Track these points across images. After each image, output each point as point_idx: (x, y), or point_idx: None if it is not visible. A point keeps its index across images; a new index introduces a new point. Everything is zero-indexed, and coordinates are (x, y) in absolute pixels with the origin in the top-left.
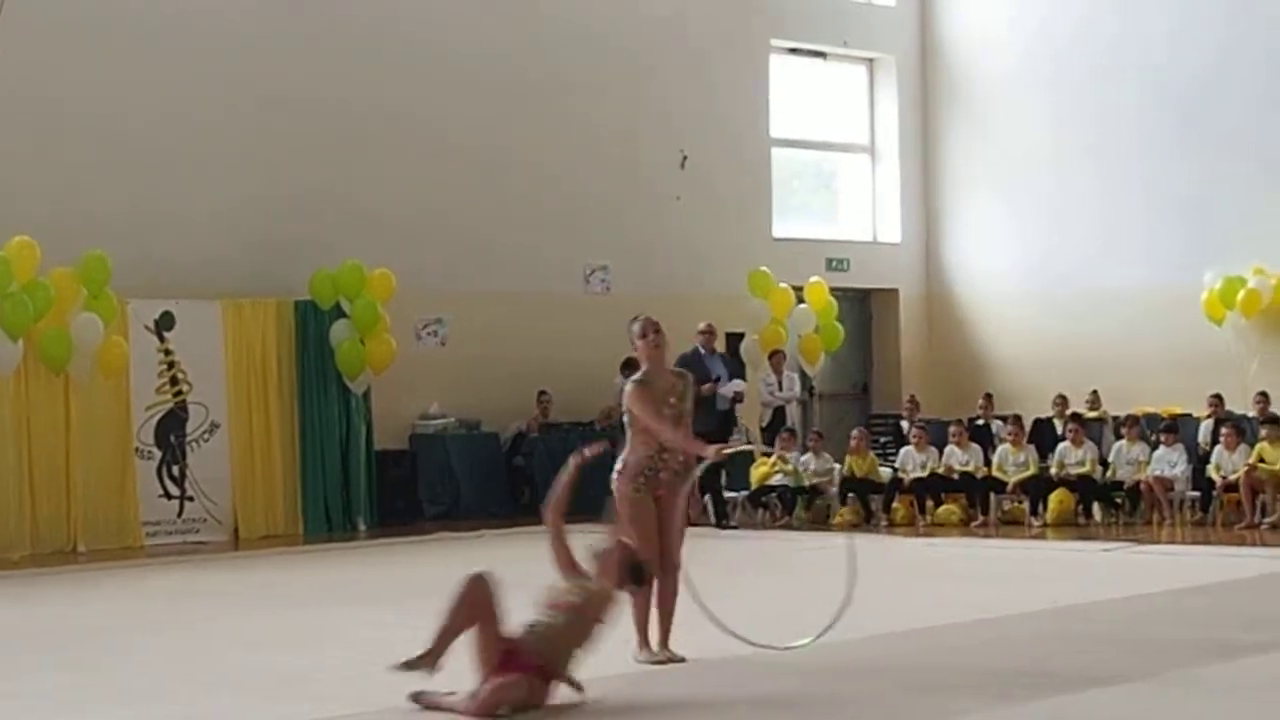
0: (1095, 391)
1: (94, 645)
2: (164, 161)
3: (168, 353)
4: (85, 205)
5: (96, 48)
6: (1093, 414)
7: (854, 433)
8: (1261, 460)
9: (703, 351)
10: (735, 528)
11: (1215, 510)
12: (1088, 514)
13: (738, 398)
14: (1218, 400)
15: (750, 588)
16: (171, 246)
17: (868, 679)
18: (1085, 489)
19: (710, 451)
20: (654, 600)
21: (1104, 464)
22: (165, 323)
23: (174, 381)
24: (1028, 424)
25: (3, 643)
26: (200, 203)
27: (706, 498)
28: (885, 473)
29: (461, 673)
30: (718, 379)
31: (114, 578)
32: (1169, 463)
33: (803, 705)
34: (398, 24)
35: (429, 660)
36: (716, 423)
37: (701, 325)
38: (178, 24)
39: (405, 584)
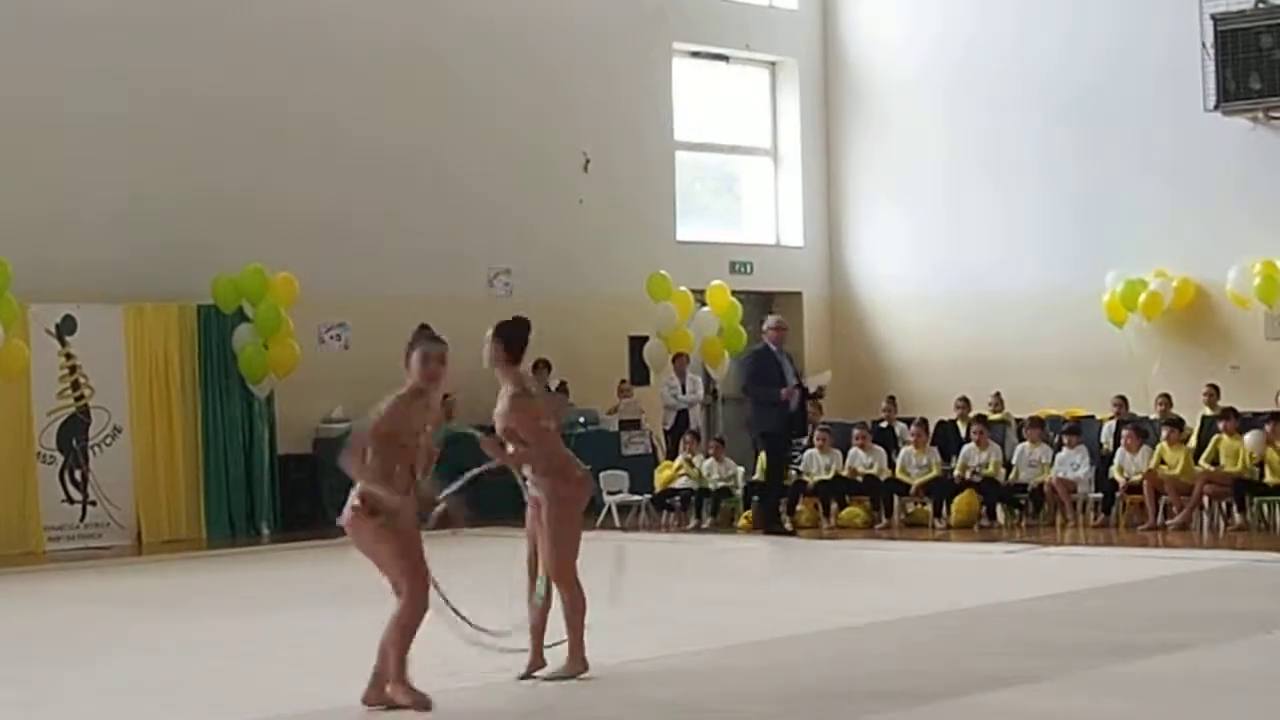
0: (998, 394)
1: (19, 652)
2: (64, 164)
3: (69, 357)
4: None
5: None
6: (996, 416)
7: None
8: (1162, 462)
9: (774, 349)
10: (793, 533)
11: (1118, 512)
12: (991, 516)
13: (820, 392)
14: (1122, 402)
15: (657, 590)
16: (72, 250)
17: (772, 682)
18: (989, 491)
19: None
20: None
21: (1007, 466)
22: (66, 327)
23: (75, 386)
24: (931, 426)
25: None
26: (101, 206)
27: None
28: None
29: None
30: (798, 385)
31: (16, 583)
32: (1072, 464)
33: (702, 711)
34: (301, 23)
35: None
36: (789, 422)
37: (772, 321)
38: (77, 22)
39: (310, 588)
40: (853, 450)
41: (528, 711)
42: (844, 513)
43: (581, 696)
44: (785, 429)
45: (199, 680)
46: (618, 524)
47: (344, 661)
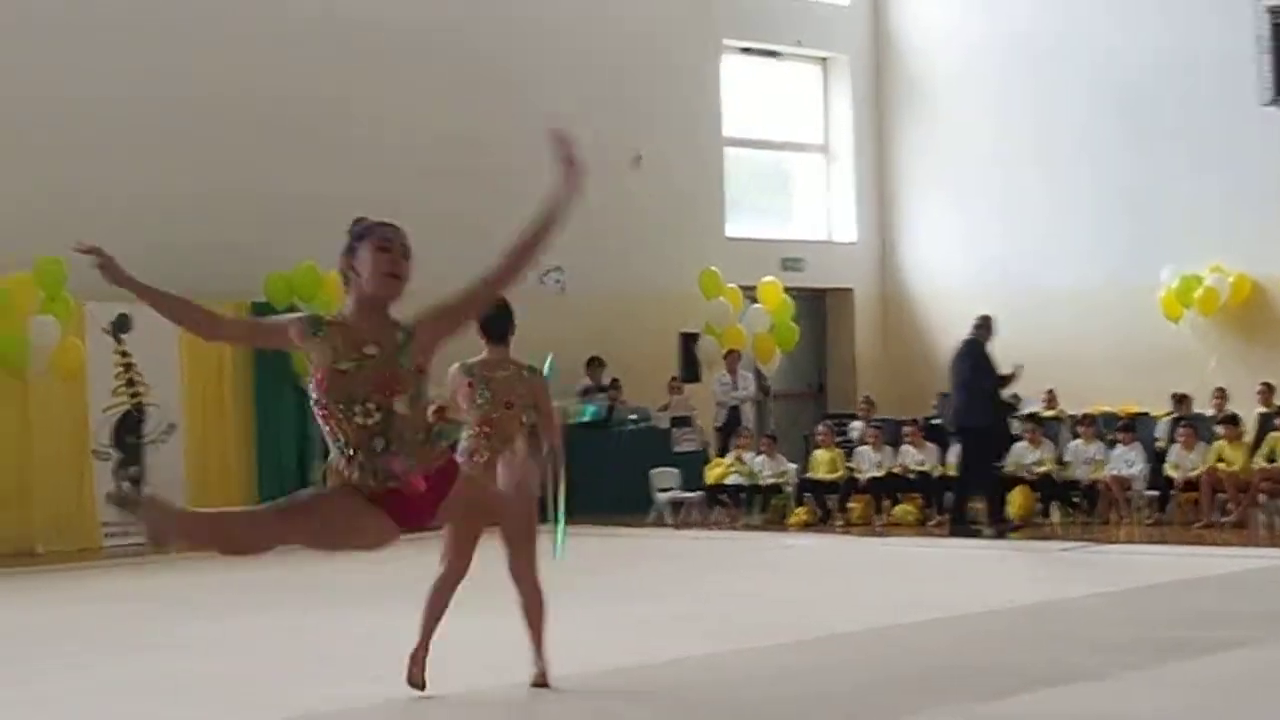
0: (1052, 390)
1: (47, 649)
2: (121, 164)
3: (124, 355)
4: (42, 208)
5: (59, 45)
6: (1049, 413)
7: (819, 428)
8: (1220, 459)
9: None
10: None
11: (1172, 509)
12: (1045, 513)
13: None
14: (1183, 399)
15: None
16: (128, 249)
17: (824, 680)
18: (1043, 488)
19: None
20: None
21: (1061, 463)
22: (122, 325)
23: (131, 383)
24: None
25: None
26: (157, 205)
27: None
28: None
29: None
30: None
31: (72, 579)
32: (1126, 462)
33: (752, 708)
34: (356, 21)
35: None
36: (998, 415)
37: (978, 319)
38: (134, 18)
39: (363, 584)
40: (904, 447)
41: (579, 712)
42: (896, 510)
43: (635, 692)
44: (994, 423)
45: (245, 677)
46: (669, 521)
47: (396, 659)
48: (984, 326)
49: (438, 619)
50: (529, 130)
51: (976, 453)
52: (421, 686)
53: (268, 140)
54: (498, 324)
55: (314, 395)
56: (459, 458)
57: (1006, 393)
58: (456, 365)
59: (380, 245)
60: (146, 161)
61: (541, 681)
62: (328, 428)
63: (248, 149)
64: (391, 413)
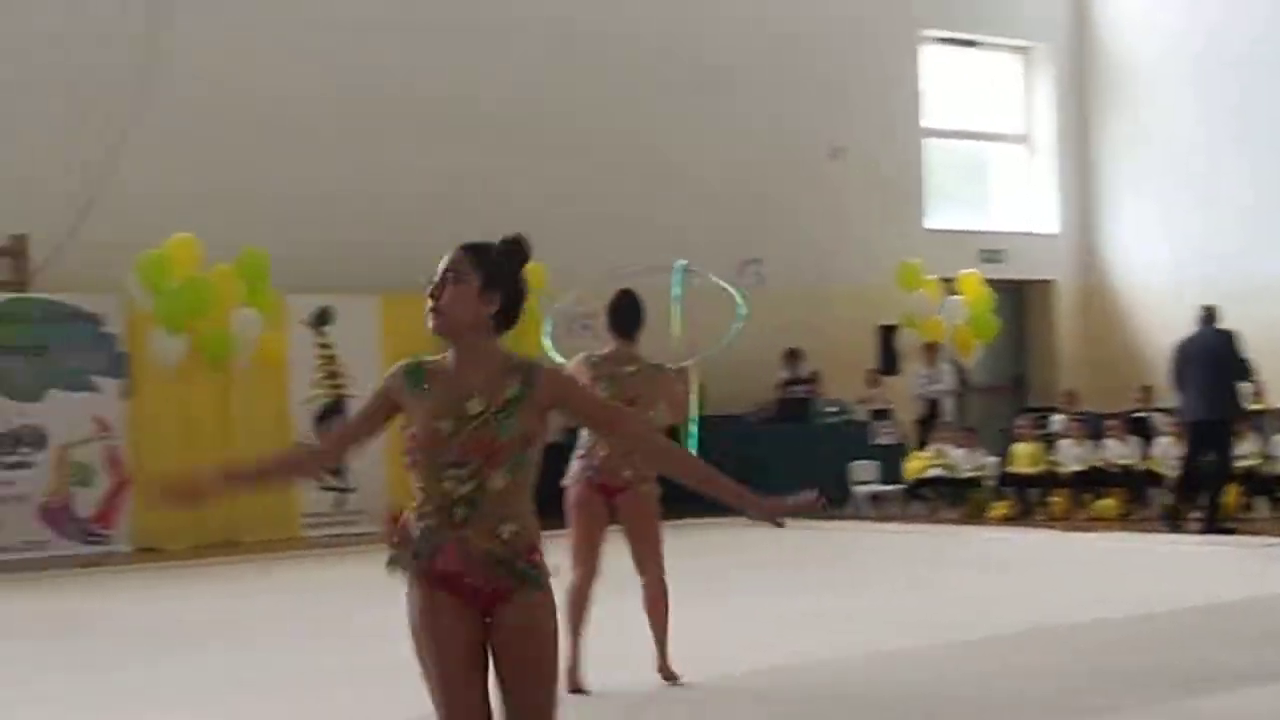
0: (1259, 383)
1: (247, 635)
2: (323, 158)
3: (325, 347)
4: (245, 202)
5: (260, 46)
6: (1256, 405)
7: (1020, 421)
8: None
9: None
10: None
11: None
12: (1248, 508)
13: None
14: None
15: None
16: (329, 242)
17: (1024, 676)
18: (1249, 483)
19: None
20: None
21: (1267, 457)
22: (323, 317)
23: (331, 375)
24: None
25: (156, 632)
26: (358, 198)
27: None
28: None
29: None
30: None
31: (274, 569)
32: None
33: (957, 701)
34: (552, 20)
35: None
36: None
37: (1205, 309)
38: (334, 19)
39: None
40: (1106, 440)
41: (785, 698)
42: (1097, 504)
43: (844, 684)
44: (1236, 417)
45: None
46: (867, 514)
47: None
48: (1214, 317)
49: (579, 626)
50: (727, 121)
51: (1219, 447)
52: (580, 691)
53: (466, 131)
54: (627, 319)
55: (407, 447)
56: (579, 457)
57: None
58: (581, 356)
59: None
60: (350, 158)
61: (670, 675)
62: (415, 477)
63: (446, 139)
64: (484, 486)
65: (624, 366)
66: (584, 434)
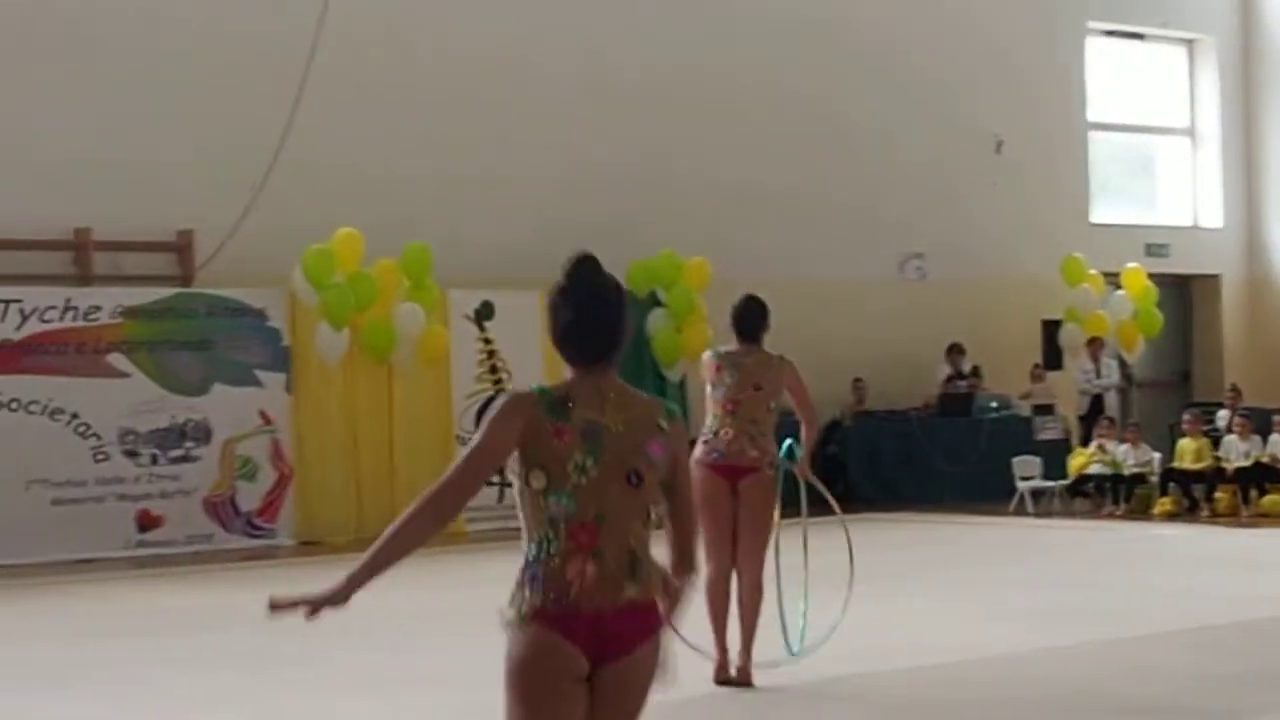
0: None
1: (404, 629)
2: (484, 153)
3: (487, 341)
4: (408, 197)
5: (417, 50)
6: None
7: (1185, 416)
8: None
9: None
10: None
11: None
12: None
13: None
14: None
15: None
16: (491, 237)
17: (1186, 671)
18: None
19: None
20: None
21: None
22: (485, 312)
23: (493, 370)
24: None
25: (325, 626)
26: (519, 194)
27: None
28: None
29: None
30: None
31: (435, 563)
32: None
33: (1118, 697)
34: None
35: None
36: None
37: None
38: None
39: None
40: (1274, 436)
41: (940, 696)
42: (1264, 500)
43: (1001, 678)
44: None
45: None
46: (1030, 510)
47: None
48: None
49: (723, 620)
50: (889, 115)
51: None
52: (729, 683)
53: (627, 124)
54: (749, 322)
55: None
56: (703, 441)
57: None
58: (709, 351)
59: None
60: (511, 154)
61: (744, 679)
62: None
63: (607, 134)
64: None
65: (747, 357)
66: (709, 417)
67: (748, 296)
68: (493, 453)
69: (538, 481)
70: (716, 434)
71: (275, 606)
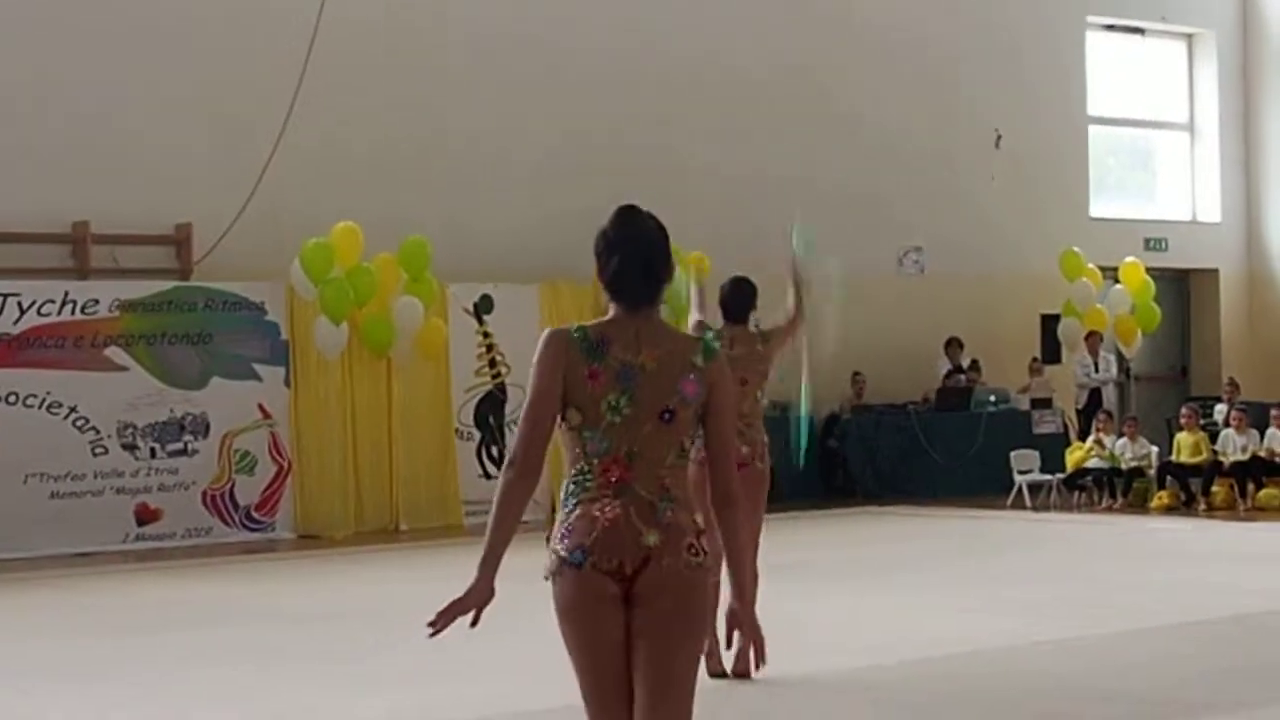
0: None
1: (404, 623)
2: (483, 148)
3: (486, 335)
4: (406, 191)
5: (416, 39)
6: None
7: (1183, 410)
8: None
9: None
10: None
11: None
12: None
13: None
14: None
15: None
16: (490, 230)
17: (1179, 666)
18: None
19: None
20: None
21: None
22: (484, 306)
23: (493, 364)
24: None
25: (324, 620)
26: (518, 188)
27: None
28: None
29: None
30: None
31: (435, 556)
32: None
33: (1112, 696)
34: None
35: None
36: None
37: None
38: (482, 10)
39: None
40: (1270, 430)
41: (937, 689)
42: (1261, 494)
43: (985, 672)
44: None
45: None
46: (1028, 503)
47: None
48: None
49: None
50: (889, 108)
51: None
52: (724, 676)
53: (623, 115)
54: (739, 304)
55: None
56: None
57: None
58: (698, 327)
59: None
60: (509, 147)
61: (744, 671)
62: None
63: (605, 126)
64: None
65: (735, 349)
66: None
67: (738, 278)
68: (546, 395)
69: (574, 419)
70: None
71: (436, 626)
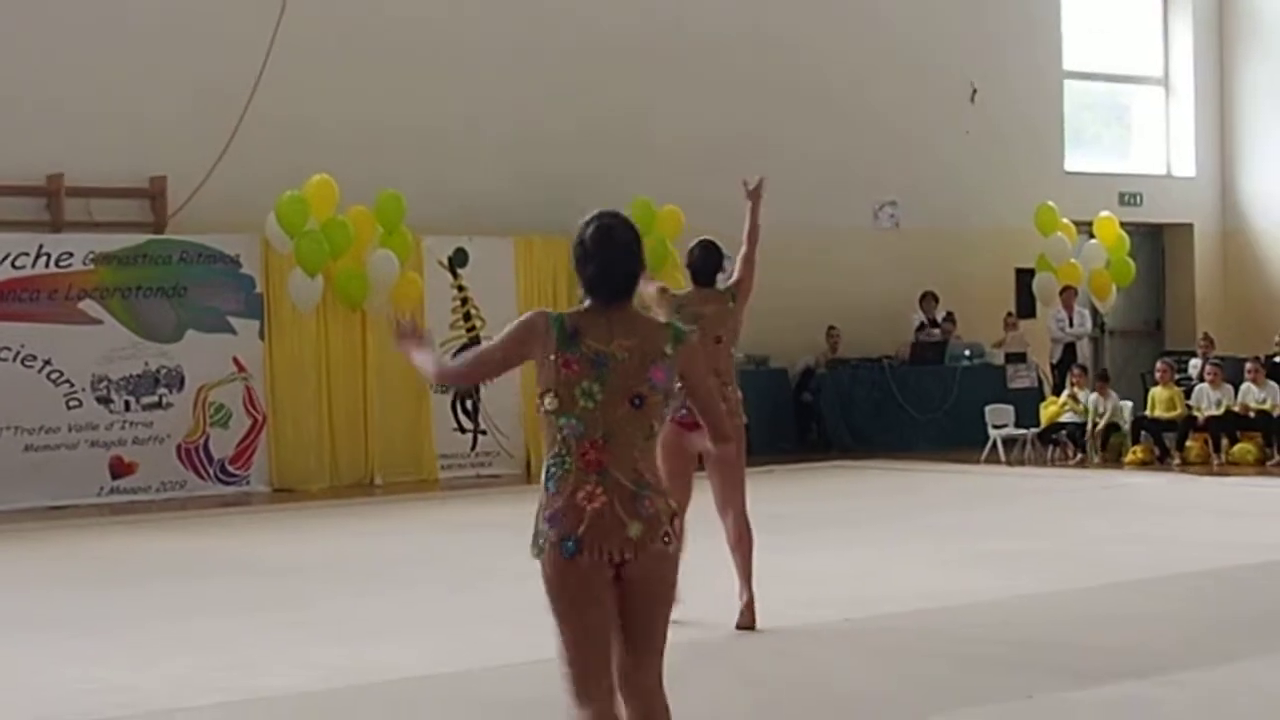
0: None
1: (384, 576)
2: (459, 100)
3: (461, 289)
4: (382, 144)
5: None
6: None
7: (1158, 365)
8: None
9: None
10: None
11: None
12: None
13: None
14: None
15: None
16: (465, 184)
17: (1161, 620)
18: None
19: None
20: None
21: None
22: (459, 259)
23: (467, 317)
24: None
25: (300, 573)
26: (493, 141)
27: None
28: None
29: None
30: None
31: (409, 510)
32: None
33: (1091, 650)
34: None
35: None
36: None
37: None
38: None
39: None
40: (1245, 385)
41: (912, 644)
42: (1235, 449)
43: (960, 625)
44: None
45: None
46: (1002, 458)
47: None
48: None
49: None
50: (862, 63)
51: None
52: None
53: (600, 70)
54: (706, 267)
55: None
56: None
57: None
58: (662, 289)
59: None
60: (485, 101)
61: (748, 622)
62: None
63: (581, 80)
64: None
65: (706, 306)
66: None
67: (704, 241)
68: (497, 363)
69: (550, 404)
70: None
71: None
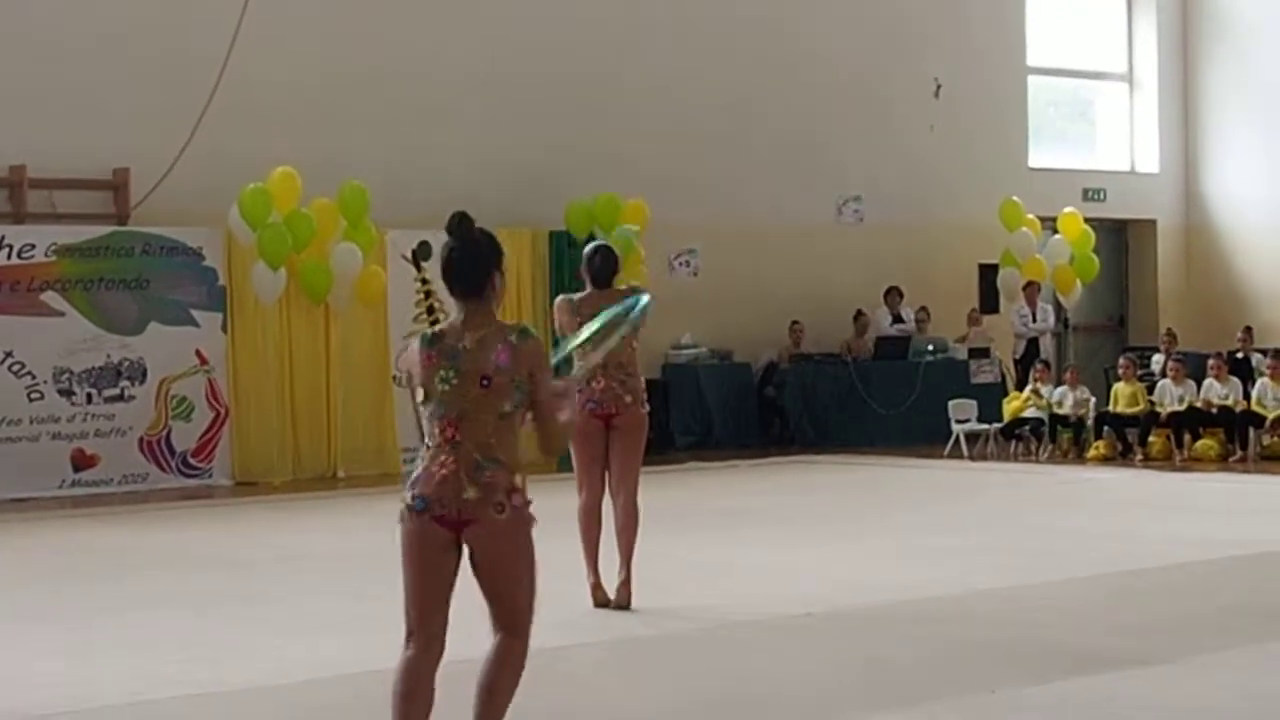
0: None
1: (346, 569)
2: (423, 94)
3: (425, 282)
4: (345, 136)
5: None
6: None
7: (1120, 360)
8: None
9: None
10: None
11: None
12: None
13: None
14: None
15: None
16: (429, 177)
17: (1120, 613)
18: None
19: None
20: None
21: None
22: (423, 252)
23: (430, 310)
24: None
25: (262, 566)
26: (458, 134)
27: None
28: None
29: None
30: None
31: (372, 504)
32: None
33: (1048, 645)
34: None
35: None
36: None
37: None
38: None
39: (655, 514)
40: (1207, 381)
41: (873, 638)
42: (1197, 445)
43: (922, 620)
44: None
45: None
46: (965, 453)
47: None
48: None
49: (595, 546)
50: (828, 59)
51: None
52: (608, 605)
53: (567, 65)
54: (604, 272)
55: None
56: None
57: None
58: (563, 298)
59: None
60: (449, 95)
61: (624, 600)
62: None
63: (548, 74)
64: None
65: (602, 305)
66: (576, 368)
67: (601, 247)
68: (405, 383)
69: (420, 396)
70: (589, 384)
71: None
